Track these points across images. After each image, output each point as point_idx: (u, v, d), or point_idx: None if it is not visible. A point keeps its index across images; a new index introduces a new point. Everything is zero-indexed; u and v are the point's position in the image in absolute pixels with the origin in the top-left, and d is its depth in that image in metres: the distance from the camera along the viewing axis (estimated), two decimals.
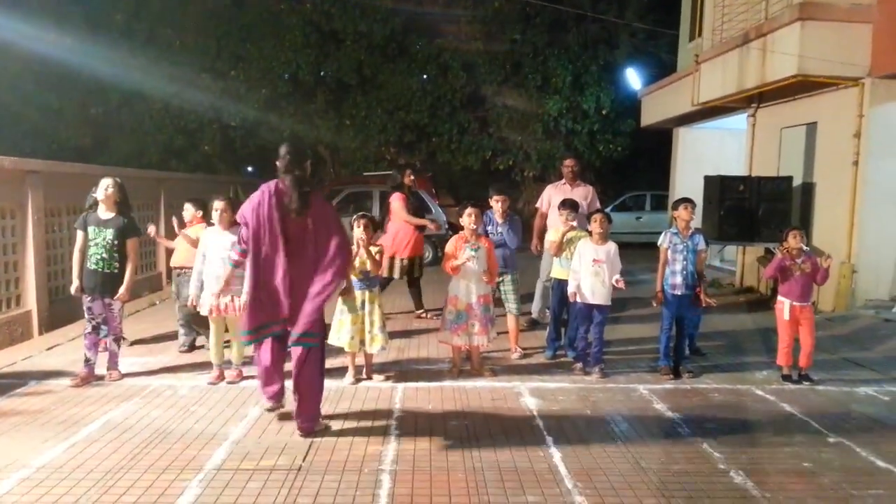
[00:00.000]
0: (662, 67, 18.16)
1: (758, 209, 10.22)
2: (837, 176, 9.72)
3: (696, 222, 10.74)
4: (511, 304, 7.08)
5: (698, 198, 11.02)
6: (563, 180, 8.22)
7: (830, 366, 6.85)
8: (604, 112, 19.77)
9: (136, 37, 19.19)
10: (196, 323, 6.94)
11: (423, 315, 8.93)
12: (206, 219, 6.75)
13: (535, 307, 8.38)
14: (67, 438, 4.63)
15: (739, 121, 12.90)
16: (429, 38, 20.71)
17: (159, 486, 3.91)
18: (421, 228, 8.88)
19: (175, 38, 19.52)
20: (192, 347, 7.16)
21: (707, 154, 14.93)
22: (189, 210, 7.05)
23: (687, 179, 14.62)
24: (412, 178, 9.08)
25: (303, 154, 4.89)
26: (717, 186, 10.53)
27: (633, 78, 17.66)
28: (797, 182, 10.63)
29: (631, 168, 21.81)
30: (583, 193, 7.91)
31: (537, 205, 8.44)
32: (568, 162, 8.22)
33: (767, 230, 10.05)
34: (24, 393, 5.69)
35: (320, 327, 4.71)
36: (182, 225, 6.98)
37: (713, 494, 3.94)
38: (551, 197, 8.08)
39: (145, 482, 3.96)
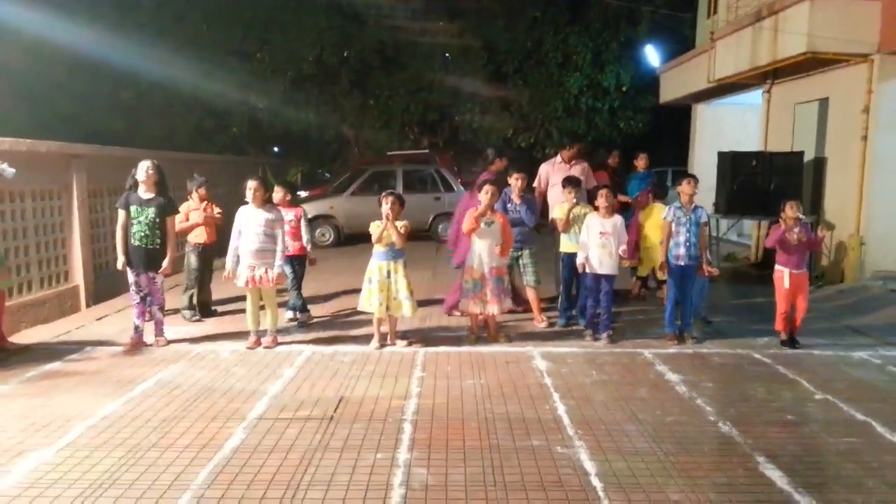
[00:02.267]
0: (685, 43, 18.23)
1: (770, 184, 10.48)
2: (847, 150, 9.97)
3: (711, 197, 11.19)
4: (529, 277, 7.56)
5: (715, 173, 11.40)
6: (559, 158, 8.31)
7: (831, 333, 7.22)
8: (624, 89, 19.97)
9: (163, 21, 19.69)
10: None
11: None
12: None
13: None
14: (125, 394, 5.22)
15: (757, 96, 13.09)
16: (450, 18, 21.02)
17: (209, 432, 4.47)
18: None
19: (202, 22, 19.99)
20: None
21: (726, 130, 15.13)
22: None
23: (706, 155, 14.79)
24: (617, 158, 9.81)
25: (488, 157, 8.06)
26: (730, 162, 10.82)
27: (652, 55, 17.82)
28: (810, 157, 10.87)
29: (654, 144, 21.96)
30: (579, 170, 8.05)
31: (534, 184, 8.42)
32: (564, 152, 8.31)
33: (779, 204, 10.29)
34: (82, 357, 6.30)
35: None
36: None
37: (699, 440, 4.40)
38: (549, 175, 8.25)
39: (197, 429, 4.53)
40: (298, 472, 3.91)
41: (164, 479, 3.82)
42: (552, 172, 8.22)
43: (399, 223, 6.45)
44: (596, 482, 3.81)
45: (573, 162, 8.23)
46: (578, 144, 8.55)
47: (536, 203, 7.75)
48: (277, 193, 7.46)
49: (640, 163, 9.97)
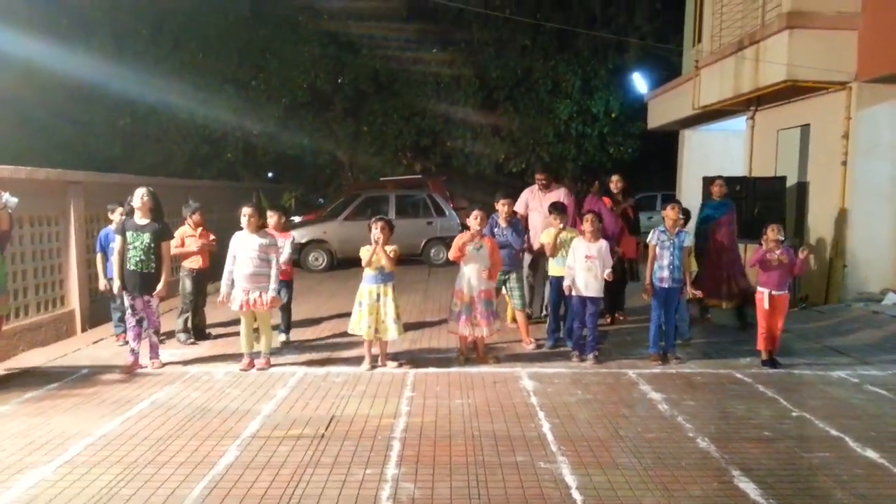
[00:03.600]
0: (673, 70, 18.57)
1: (753, 208, 10.72)
2: (828, 175, 10.24)
3: (694, 221, 11.40)
4: (516, 301, 7.76)
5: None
6: (538, 185, 8.62)
7: (812, 353, 7.41)
8: (613, 115, 20.32)
9: (160, 49, 20.00)
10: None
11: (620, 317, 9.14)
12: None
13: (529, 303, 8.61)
14: (122, 414, 5.36)
15: (741, 122, 13.39)
16: (442, 46, 21.39)
17: (204, 450, 4.61)
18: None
19: (198, 50, 20.27)
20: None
21: (712, 155, 15.41)
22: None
23: (693, 180, 15.01)
24: (620, 183, 9.06)
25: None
26: None
27: (639, 82, 18.18)
28: (793, 181, 11.13)
29: (643, 169, 22.32)
30: (556, 196, 8.25)
31: (515, 208, 8.42)
32: (538, 176, 8.65)
33: (762, 228, 10.51)
34: (79, 379, 6.44)
35: None
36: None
37: (678, 455, 4.56)
38: (528, 201, 8.58)
39: (192, 447, 4.67)
40: (290, 487, 4.06)
41: (161, 494, 3.96)
42: (531, 199, 8.52)
43: (388, 247, 6.63)
44: (576, 495, 3.97)
45: (550, 189, 8.52)
46: (544, 172, 8.75)
47: (522, 227, 7.96)
48: (272, 218, 7.64)
49: (716, 189, 8.88)
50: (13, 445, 4.70)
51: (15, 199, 6.40)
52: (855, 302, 9.76)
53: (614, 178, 9.07)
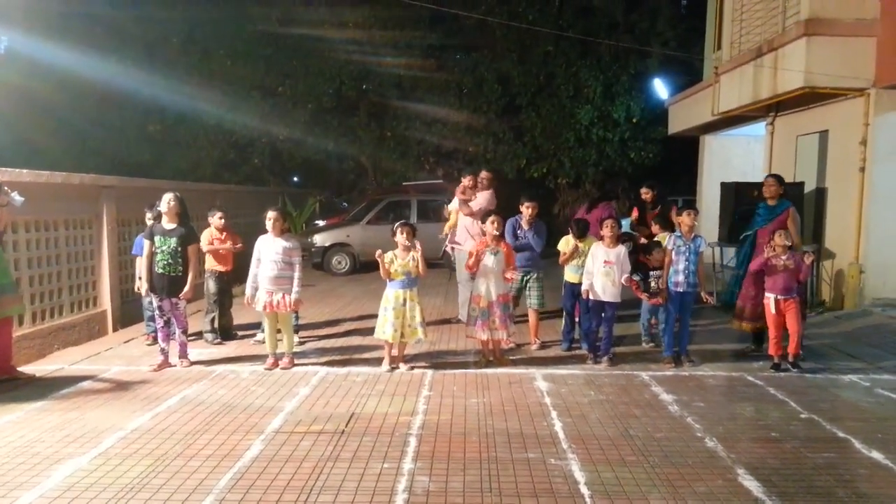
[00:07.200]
0: (695, 75, 18.55)
1: None
2: (846, 181, 10.27)
3: (714, 226, 11.49)
4: (533, 300, 7.99)
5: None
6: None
7: (825, 357, 7.49)
8: (634, 120, 20.35)
9: (190, 57, 20.45)
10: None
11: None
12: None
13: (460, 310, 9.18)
14: (152, 409, 5.62)
15: (761, 128, 13.42)
16: (465, 51, 21.59)
17: (230, 444, 4.85)
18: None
19: (226, 58, 20.70)
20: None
21: (733, 160, 15.46)
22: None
23: (714, 185, 15.07)
24: (650, 193, 9.33)
25: None
26: (732, 192, 11.14)
27: (660, 88, 18.23)
28: (811, 187, 11.17)
29: (665, 174, 22.27)
30: (481, 199, 8.94)
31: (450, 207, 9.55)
32: (482, 174, 9.18)
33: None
34: (110, 376, 6.72)
35: None
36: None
37: (685, 454, 4.71)
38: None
39: (219, 441, 4.91)
40: (311, 480, 4.27)
41: (189, 485, 4.19)
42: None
43: (417, 254, 6.80)
44: (584, 490, 4.14)
45: (476, 189, 8.98)
46: (471, 175, 9.23)
47: (544, 229, 8.15)
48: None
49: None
50: (51, 437, 4.97)
51: (21, 199, 6.52)
52: (871, 307, 9.78)
53: (643, 189, 9.37)
